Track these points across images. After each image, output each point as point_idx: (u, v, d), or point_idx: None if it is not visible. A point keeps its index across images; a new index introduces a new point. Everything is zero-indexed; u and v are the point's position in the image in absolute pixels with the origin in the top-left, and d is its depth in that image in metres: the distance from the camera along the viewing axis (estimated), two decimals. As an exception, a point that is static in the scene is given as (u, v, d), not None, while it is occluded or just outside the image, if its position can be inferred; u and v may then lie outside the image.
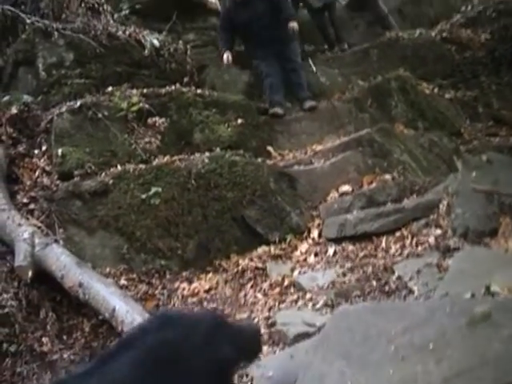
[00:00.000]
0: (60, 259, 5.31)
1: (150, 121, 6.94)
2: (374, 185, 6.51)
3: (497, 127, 9.73)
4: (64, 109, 6.84)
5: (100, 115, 6.74)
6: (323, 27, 10.83)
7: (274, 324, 4.79)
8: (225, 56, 8.23)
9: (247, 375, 4.01)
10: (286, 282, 5.33)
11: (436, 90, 9.65)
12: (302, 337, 4.37)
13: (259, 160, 6.78)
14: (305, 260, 5.64)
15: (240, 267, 5.82)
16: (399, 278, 4.75)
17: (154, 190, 6.04)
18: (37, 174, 6.46)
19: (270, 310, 5.12)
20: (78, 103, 6.84)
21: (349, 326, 3.31)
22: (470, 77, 10.40)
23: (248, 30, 8.46)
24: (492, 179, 5.51)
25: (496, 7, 11.61)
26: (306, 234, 6.23)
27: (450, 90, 10.01)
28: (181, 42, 8.47)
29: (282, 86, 8.40)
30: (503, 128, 9.75)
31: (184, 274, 5.90)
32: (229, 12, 8.71)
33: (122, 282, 5.66)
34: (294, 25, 8.33)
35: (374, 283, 4.78)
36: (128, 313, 4.57)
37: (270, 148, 7.49)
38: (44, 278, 5.45)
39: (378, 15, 11.44)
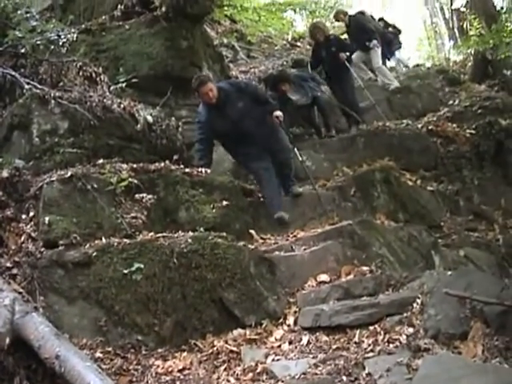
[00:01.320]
0: (39, 329, 5.32)
1: (137, 196, 7.08)
2: (351, 276, 6.66)
3: (476, 222, 10.00)
4: (54, 177, 6.93)
5: (89, 187, 6.85)
6: (310, 119, 11.25)
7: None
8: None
9: None
10: (259, 369, 5.33)
11: (419, 182, 9.94)
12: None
13: (241, 243, 6.91)
14: (279, 347, 5.70)
15: (215, 348, 5.85)
16: (369, 374, 4.79)
17: (136, 265, 6.12)
18: (22, 239, 6.49)
19: (241, 396, 5.20)
20: (69, 173, 6.93)
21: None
22: (453, 170, 10.74)
23: (231, 136, 8.30)
24: (467, 281, 5.65)
25: (482, 103, 12.09)
26: (282, 320, 6.31)
27: (433, 182, 10.33)
28: (173, 118, 8.68)
29: (279, 189, 8.53)
30: (482, 223, 10.02)
31: (159, 350, 5.94)
32: (206, 120, 8.30)
33: (98, 354, 5.69)
34: (278, 114, 8.29)
35: (344, 378, 4.80)
36: (102, 389, 4.60)
37: (252, 232, 7.65)
38: (20, 345, 5.47)
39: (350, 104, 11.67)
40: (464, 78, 15.65)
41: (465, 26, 18.17)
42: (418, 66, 18.41)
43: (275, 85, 10.59)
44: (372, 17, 14.92)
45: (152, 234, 6.70)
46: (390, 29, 15.98)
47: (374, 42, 13.12)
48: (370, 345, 5.34)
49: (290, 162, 8.70)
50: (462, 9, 18.17)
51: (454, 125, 11.59)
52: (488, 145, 11.16)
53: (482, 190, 10.83)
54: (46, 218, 6.51)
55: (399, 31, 16.37)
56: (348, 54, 11.64)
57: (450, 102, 13.22)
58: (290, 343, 5.76)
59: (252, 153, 8.33)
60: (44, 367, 5.25)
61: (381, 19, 16.05)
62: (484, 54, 14.90)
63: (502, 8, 17.26)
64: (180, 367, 5.59)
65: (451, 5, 20.66)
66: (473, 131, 11.36)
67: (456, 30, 21.29)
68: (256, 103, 8.31)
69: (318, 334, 5.81)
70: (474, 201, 10.65)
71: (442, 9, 28.50)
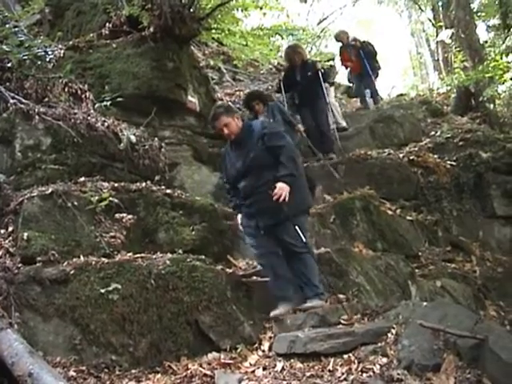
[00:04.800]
0: (13, 346, 5.29)
1: (117, 215, 7.11)
2: (327, 304, 6.70)
3: (454, 253, 10.07)
4: (35, 193, 6.93)
5: (69, 204, 6.87)
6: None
7: None
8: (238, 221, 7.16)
9: None
10: (232, 394, 5.37)
11: (398, 211, 9.99)
12: None
13: (219, 267, 6.96)
14: (253, 372, 5.70)
15: (189, 371, 5.83)
16: (342, 403, 4.87)
17: (113, 285, 6.13)
18: (0, 253, 6.49)
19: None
20: (50, 189, 6.95)
21: None
22: (433, 201, 10.82)
23: (235, 184, 6.98)
24: (442, 313, 5.70)
25: (463, 136, 12.22)
26: (257, 345, 6.36)
27: (412, 212, 10.39)
28: (156, 138, 8.67)
29: (287, 276, 6.78)
30: (460, 254, 10.08)
31: (133, 371, 5.93)
32: (223, 159, 7.26)
33: (72, 373, 5.65)
34: (281, 187, 6.39)
35: (317, 406, 4.88)
36: (75, 409, 4.59)
37: (230, 258, 7.66)
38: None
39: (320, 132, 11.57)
40: (447, 110, 15.77)
41: (449, 57, 18.39)
42: (401, 95, 18.56)
43: (248, 103, 10.55)
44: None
45: (130, 254, 6.72)
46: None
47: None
48: (343, 373, 5.36)
49: (304, 257, 6.72)
50: (447, 41, 18.37)
51: (435, 156, 11.69)
52: (468, 177, 11.27)
53: (461, 222, 10.93)
54: (25, 234, 6.50)
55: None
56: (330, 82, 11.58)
57: (432, 132, 13.32)
58: (264, 369, 5.77)
59: (252, 221, 6.88)
60: (16, 384, 5.22)
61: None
62: (467, 86, 15.06)
63: (485, 42, 17.57)
64: (153, 389, 5.57)
65: (436, 36, 20.89)
66: (453, 163, 11.48)
67: (441, 62, 21.55)
68: (271, 161, 6.64)
69: (292, 360, 5.83)
70: (453, 232, 10.74)
71: (427, 40, 28.84)
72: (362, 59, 14.40)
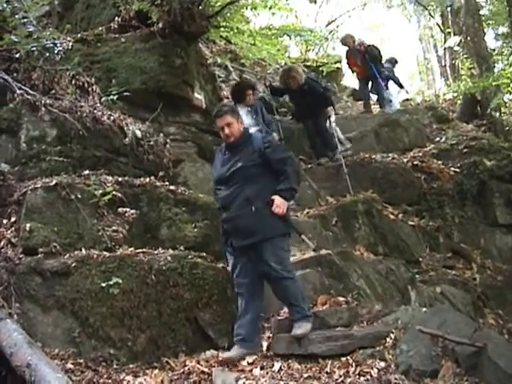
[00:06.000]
0: (12, 336, 5.30)
1: (120, 210, 7.09)
2: (327, 306, 6.71)
3: (455, 260, 10.09)
4: (39, 184, 6.94)
5: (73, 197, 6.87)
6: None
7: None
8: None
9: None
10: (228, 393, 5.37)
11: (401, 216, 10.02)
12: None
13: (220, 265, 6.96)
14: (250, 371, 5.70)
15: (187, 368, 5.86)
16: (339, 406, 4.87)
17: (114, 279, 6.15)
18: (2, 244, 6.43)
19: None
20: (54, 181, 6.95)
21: None
22: (436, 207, 10.83)
23: (220, 192, 6.44)
24: (441, 320, 5.72)
25: (468, 143, 12.22)
26: (255, 344, 6.35)
27: (415, 217, 10.42)
28: (161, 134, 8.65)
29: (253, 317, 6.24)
30: (461, 261, 10.10)
31: (131, 366, 5.96)
32: (214, 165, 6.86)
33: (69, 365, 5.67)
34: (279, 203, 6.09)
35: (313, 408, 4.88)
36: (71, 402, 4.58)
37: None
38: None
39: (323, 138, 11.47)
40: (452, 116, 15.77)
41: (457, 64, 18.37)
42: (407, 100, 18.56)
43: (243, 90, 10.13)
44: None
45: (132, 248, 6.72)
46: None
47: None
48: (341, 376, 5.38)
49: (286, 282, 6.14)
50: (456, 47, 18.36)
51: (439, 162, 11.72)
52: (471, 184, 11.28)
53: (463, 229, 10.94)
54: (28, 225, 6.50)
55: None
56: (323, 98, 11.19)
57: (437, 138, 13.34)
58: (262, 368, 5.77)
59: (230, 232, 6.34)
60: (14, 375, 5.22)
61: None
62: (474, 94, 15.05)
63: (493, 50, 17.55)
64: (150, 385, 5.57)
65: (445, 42, 20.86)
66: (457, 169, 11.49)
67: (448, 68, 21.54)
68: (257, 176, 6.21)
69: (290, 361, 5.85)
70: (454, 238, 10.75)
71: (435, 45, 28.81)
72: (367, 63, 14.41)
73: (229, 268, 6.51)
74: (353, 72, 15.65)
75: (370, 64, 14.37)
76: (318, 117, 11.21)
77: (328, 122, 11.25)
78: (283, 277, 6.07)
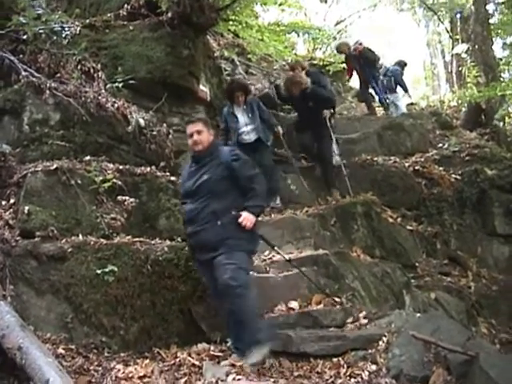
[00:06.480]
0: (4, 318, 5.28)
1: (119, 198, 7.11)
2: (321, 306, 6.69)
3: (451, 267, 10.09)
4: (40, 167, 6.94)
5: (73, 182, 6.87)
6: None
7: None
8: None
9: None
10: (218, 386, 5.35)
11: (399, 220, 10.00)
12: None
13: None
14: (241, 367, 5.68)
15: (178, 360, 5.84)
16: (327, 406, 4.86)
17: (110, 267, 6.14)
18: (-1, 224, 6.49)
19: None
20: (55, 165, 6.96)
21: None
22: (435, 212, 10.82)
23: (188, 205, 6.18)
24: (434, 326, 5.70)
25: (470, 151, 12.19)
26: (247, 340, 6.33)
27: (413, 221, 10.41)
28: (165, 124, 8.63)
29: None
30: (457, 268, 10.09)
31: (122, 354, 5.97)
32: (183, 179, 6.57)
33: (60, 350, 5.69)
34: (248, 220, 5.81)
35: (302, 407, 4.87)
36: (60, 388, 4.56)
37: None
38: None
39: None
40: (456, 123, 15.72)
41: (463, 71, 18.33)
42: (412, 104, 18.53)
43: (232, 92, 9.90)
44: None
45: (129, 237, 6.71)
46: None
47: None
48: (331, 376, 5.38)
49: (242, 303, 5.64)
50: (463, 55, 18.32)
51: (441, 168, 11.70)
52: (471, 192, 11.26)
53: (460, 236, 10.92)
54: (26, 208, 6.51)
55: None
56: (328, 104, 10.64)
57: (440, 144, 13.29)
58: (254, 365, 5.73)
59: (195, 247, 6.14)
60: (5, 357, 5.20)
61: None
62: (478, 102, 15.02)
63: (500, 59, 17.52)
64: (141, 374, 5.55)
65: (452, 49, 20.82)
66: (458, 177, 11.47)
67: (454, 75, 21.49)
68: (223, 191, 5.97)
69: (281, 358, 5.83)
70: (451, 245, 10.74)
71: (442, 51, 28.75)
72: (362, 67, 14.43)
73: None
74: (351, 77, 15.78)
75: (365, 67, 14.37)
76: (319, 130, 10.60)
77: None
78: (240, 293, 5.59)
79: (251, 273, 6.62)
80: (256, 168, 6.30)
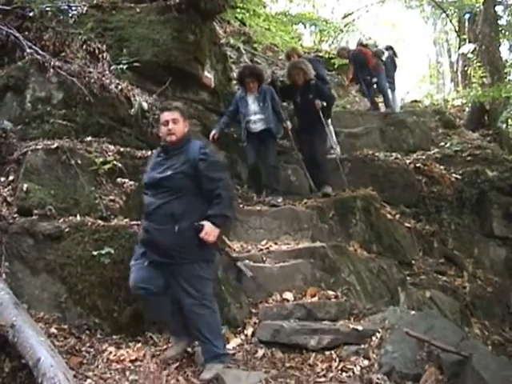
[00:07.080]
0: (-2, 295, 5.31)
1: (119, 180, 7.09)
2: (316, 298, 6.67)
3: (447, 266, 10.09)
4: (40, 146, 6.93)
5: (73, 162, 6.85)
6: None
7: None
8: None
9: None
10: (210, 374, 5.33)
11: (398, 217, 9.99)
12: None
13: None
14: (233, 355, 5.69)
15: (170, 345, 5.82)
16: (317, 399, 4.86)
17: (106, 249, 6.09)
18: (-3, 200, 6.47)
19: (187, 397, 5.16)
20: (55, 144, 6.94)
21: None
22: (433, 211, 10.83)
23: (147, 198, 5.66)
24: (428, 324, 5.70)
25: (472, 151, 12.18)
26: (240, 329, 6.33)
27: (411, 219, 10.42)
28: (168, 109, 8.59)
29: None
30: (453, 268, 10.10)
31: (114, 337, 5.95)
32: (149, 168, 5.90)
33: (53, 330, 5.71)
34: (209, 231, 5.29)
35: (292, 399, 4.86)
36: (52, 367, 4.50)
37: (225, 237, 7.56)
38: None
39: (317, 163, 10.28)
40: (459, 123, 15.70)
41: (469, 71, 18.28)
42: (415, 101, 18.49)
43: (243, 77, 9.67)
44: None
45: (127, 220, 6.67)
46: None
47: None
48: (323, 370, 5.39)
49: (203, 311, 5.41)
50: (469, 55, 18.26)
51: (442, 167, 11.69)
52: (471, 192, 11.26)
53: (458, 236, 10.93)
54: (25, 185, 6.49)
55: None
56: (325, 104, 10.14)
57: (442, 143, 13.27)
58: (245, 354, 5.74)
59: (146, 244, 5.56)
60: (-4, 335, 5.20)
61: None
62: (482, 103, 15.00)
63: (506, 61, 17.48)
64: (132, 357, 5.58)
65: (459, 48, 20.76)
66: (459, 176, 11.47)
67: (459, 74, 21.43)
68: (194, 190, 5.46)
69: (274, 349, 5.84)
70: (448, 245, 10.74)
71: (449, 50, 28.73)
72: (356, 69, 14.47)
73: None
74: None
75: (357, 70, 14.41)
76: (316, 131, 10.17)
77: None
78: (200, 304, 5.35)
79: (246, 261, 6.66)
80: (225, 171, 5.83)
